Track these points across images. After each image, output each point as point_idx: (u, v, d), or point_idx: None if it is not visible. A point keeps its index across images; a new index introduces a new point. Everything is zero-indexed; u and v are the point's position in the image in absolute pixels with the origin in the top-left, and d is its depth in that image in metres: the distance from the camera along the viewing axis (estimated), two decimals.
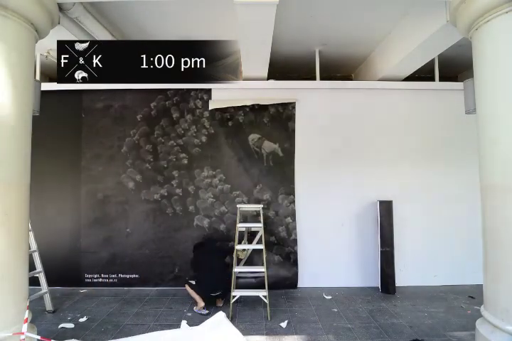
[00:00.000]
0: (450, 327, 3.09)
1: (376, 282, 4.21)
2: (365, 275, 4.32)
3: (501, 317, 2.27)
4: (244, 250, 4.12)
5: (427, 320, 3.28)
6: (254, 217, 4.29)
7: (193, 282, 3.71)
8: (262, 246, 3.60)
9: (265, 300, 3.37)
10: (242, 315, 3.41)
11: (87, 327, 3.10)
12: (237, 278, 3.98)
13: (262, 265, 3.56)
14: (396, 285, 4.10)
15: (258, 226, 3.83)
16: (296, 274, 4.27)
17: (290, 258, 4.29)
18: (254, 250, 4.21)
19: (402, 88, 4.41)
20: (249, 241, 4.15)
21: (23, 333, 2.14)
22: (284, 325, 3.16)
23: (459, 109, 3.18)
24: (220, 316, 3.01)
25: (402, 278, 4.22)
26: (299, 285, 4.27)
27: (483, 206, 2.52)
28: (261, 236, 3.71)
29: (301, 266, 4.29)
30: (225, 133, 4.39)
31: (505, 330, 2.21)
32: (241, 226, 3.82)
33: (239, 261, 4.10)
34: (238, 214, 3.79)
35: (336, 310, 3.52)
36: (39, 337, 2.28)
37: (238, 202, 4.31)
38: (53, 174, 4.37)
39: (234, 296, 3.43)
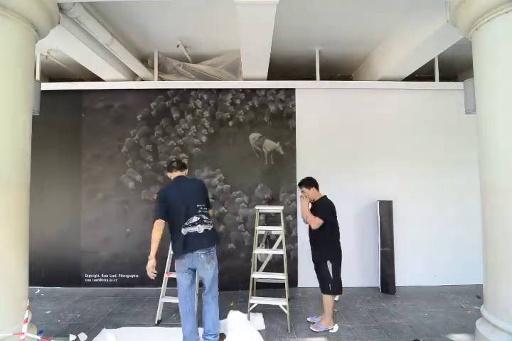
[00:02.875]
0: (450, 327, 3.09)
1: (376, 282, 4.21)
2: (365, 275, 4.32)
3: (501, 317, 2.27)
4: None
5: (427, 320, 3.28)
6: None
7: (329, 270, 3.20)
8: (282, 252, 3.33)
9: (285, 311, 3.10)
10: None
11: (88, 327, 3.10)
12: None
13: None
14: (396, 285, 4.10)
15: (278, 230, 3.52)
16: (296, 272, 4.27)
17: (290, 256, 4.29)
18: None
19: (402, 88, 4.40)
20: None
21: (23, 333, 2.14)
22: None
23: (459, 109, 3.19)
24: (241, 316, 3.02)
25: (402, 278, 4.21)
26: (299, 285, 4.27)
27: (483, 206, 2.52)
28: (281, 240, 3.47)
29: (301, 263, 4.28)
30: (225, 133, 4.40)
31: (506, 330, 2.21)
32: (260, 229, 3.55)
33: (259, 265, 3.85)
34: (256, 217, 3.51)
35: (335, 310, 3.52)
36: (39, 337, 2.28)
37: (239, 202, 4.31)
38: (53, 174, 4.36)
39: (252, 304, 3.18)
